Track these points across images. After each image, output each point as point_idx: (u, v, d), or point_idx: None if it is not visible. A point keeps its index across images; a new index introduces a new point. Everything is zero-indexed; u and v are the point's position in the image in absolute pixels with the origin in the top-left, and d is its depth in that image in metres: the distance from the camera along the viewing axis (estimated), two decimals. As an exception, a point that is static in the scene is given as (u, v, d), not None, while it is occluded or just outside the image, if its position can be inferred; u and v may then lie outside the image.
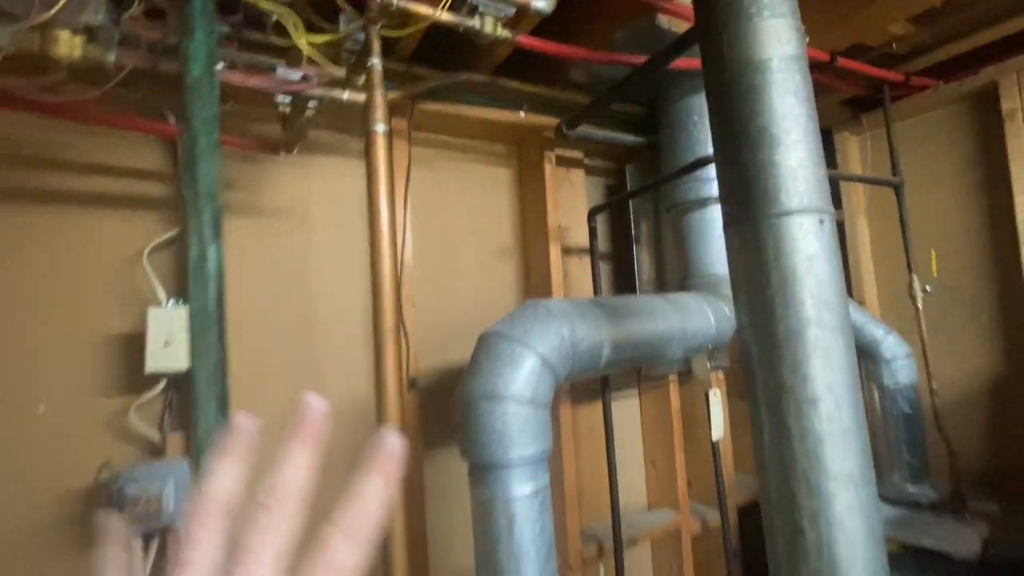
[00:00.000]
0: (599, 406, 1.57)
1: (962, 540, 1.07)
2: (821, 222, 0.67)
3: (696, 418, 1.68)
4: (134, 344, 1.02)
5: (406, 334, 1.21)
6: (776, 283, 0.65)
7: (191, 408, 0.75)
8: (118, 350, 1.02)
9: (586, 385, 1.58)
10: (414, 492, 1.26)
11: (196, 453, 0.53)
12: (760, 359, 0.68)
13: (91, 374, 1.01)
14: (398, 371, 0.95)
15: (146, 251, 1.03)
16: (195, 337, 0.57)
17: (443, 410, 1.36)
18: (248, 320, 1.12)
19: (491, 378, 0.83)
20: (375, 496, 0.25)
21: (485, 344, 0.87)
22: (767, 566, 0.70)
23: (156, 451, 1.00)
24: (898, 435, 1.28)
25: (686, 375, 1.69)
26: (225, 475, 0.25)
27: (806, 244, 0.65)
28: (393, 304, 0.94)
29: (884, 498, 1.29)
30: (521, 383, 0.82)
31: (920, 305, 1.34)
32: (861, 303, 1.60)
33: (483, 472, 0.82)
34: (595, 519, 1.53)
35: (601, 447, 1.53)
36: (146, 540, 0.94)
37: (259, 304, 1.18)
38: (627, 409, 1.73)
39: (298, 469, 0.25)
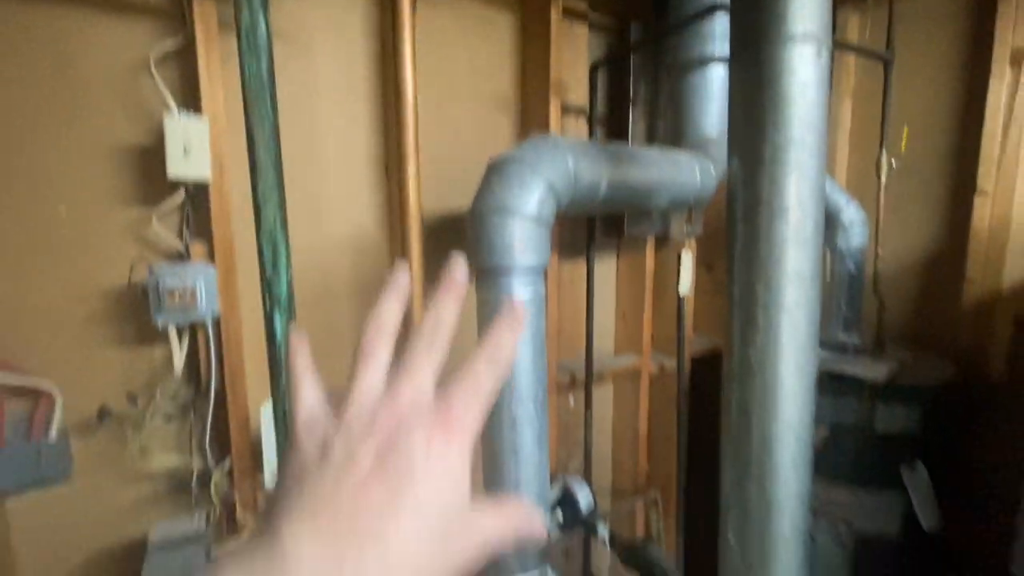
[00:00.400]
0: (582, 263, 1.71)
1: (873, 369, 1.30)
2: (819, 53, 0.73)
3: (666, 281, 1.85)
4: (147, 155, 1.04)
5: (419, 174, 1.24)
6: (769, 104, 0.73)
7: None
8: (132, 160, 1.04)
9: (572, 244, 1.70)
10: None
11: (260, 211, 0.60)
12: (744, 178, 0.78)
13: (107, 183, 1.04)
14: (419, 208, 1.02)
15: (152, 60, 1.01)
16: (249, 105, 0.61)
17: (441, 254, 1.45)
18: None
19: (502, 195, 0.91)
20: (504, 329, 0.30)
21: (498, 167, 0.94)
22: (709, 409, 0.87)
23: (180, 258, 1.07)
24: (840, 291, 1.47)
25: (663, 239, 1.82)
26: (390, 308, 0.31)
27: (803, 71, 0.72)
28: (413, 139, 0.98)
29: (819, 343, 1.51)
30: (529, 201, 0.91)
31: (883, 179, 1.47)
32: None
33: (490, 276, 0.93)
34: (570, 357, 1.74)
35: (580, 298, 1.70)
36: (180, 332, 1.05)
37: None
38: (605, 269, 1.88)
39: (447, 312, 0.30)
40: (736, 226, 0.80)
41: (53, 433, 1.00)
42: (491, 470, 1.00)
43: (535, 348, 0.95)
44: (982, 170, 1.45)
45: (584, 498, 1.17)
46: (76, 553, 1.09)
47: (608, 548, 1.30)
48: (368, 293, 1.38)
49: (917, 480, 1.23)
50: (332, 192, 1.31)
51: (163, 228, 1.04)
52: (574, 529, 1.23)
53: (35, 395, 1.00)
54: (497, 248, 0.91)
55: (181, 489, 1.14)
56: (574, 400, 1.78)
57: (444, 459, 0.26)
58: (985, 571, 1.12)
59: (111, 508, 1.11)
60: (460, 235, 1.42)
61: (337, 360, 1.34)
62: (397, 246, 1.32)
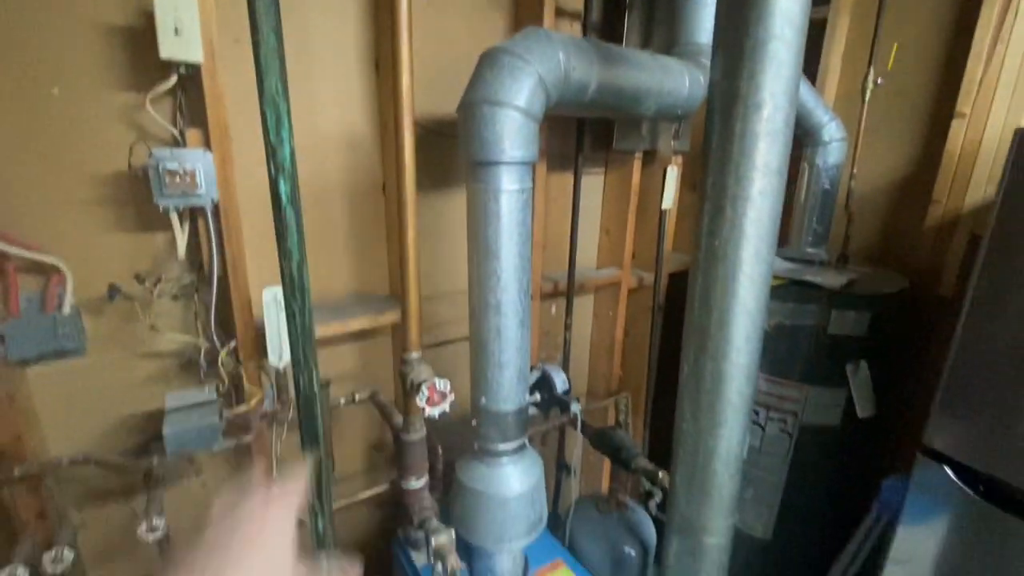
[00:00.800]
0: (569, 177, 1.75)
1: (833, 278, 1.41)
2: (806, -55, 0.75)
3: (650, 198, 1.90)
4: (138, 37, 1.03)
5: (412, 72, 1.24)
6: (753, -2, 0.75)
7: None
8: (123, 41, 1.03)
9: (560, 157, 1.73)
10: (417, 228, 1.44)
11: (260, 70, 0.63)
12: (724, 72, 0.82)
13: (99, 65, 1.03)
14: (411, 106, 1.03)
15: (133, -72, 0.98)
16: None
17: (432, 158, 1.48)
18: (242, 35, 1.12)
19: (494, 86, 0.94)
20: None
21: (490, 57, 0.96)
22: (682, 322, 0.94)
23: (176, 144, 1.09)
24: (813, 206, 1.54)
25: (650, 156, 1.86)
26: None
27: (788, -37, 0.74)
28: (407, 36, 0.98)
29: (787, 257, 1.61)
30: (520, 93, 0.94)
31: (867, 97, 1.50)
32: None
33: (480, 168, 0.98)
34: (555, 269, 1.82)
35: (566, 212, 1.75)
36: (181, 217, 1.09)
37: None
38: (592, 184, 1.92)
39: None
40: (713, 119, 0.85)
41: (67, 308, 1.06)
42: (477, 351, 1.10)
43: (520, 237, 1.02)
44: (963, 92, 1.49)
45: (560, 382, 1.30)
46: (95, 421, 1.19)
47: (579, 431, 1.46)
48: (361, 191, 1.42)
49: (859, 376, 1.37)
50: (324, 90, 1.31)
51: (157, 113, 1.05)
52: (551, 408, 1.37)
53: (46, 272, 1.05)
54: (487, 141, 0.95)
55: (190, 367, 1.23)
56: (556, 308, 1.89)
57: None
58: (906, 446, 1.28)
59: (126, 382, 1.20)
60: (451, 141, 1.45)
61: (333, 254, 1.42)
62: (390, 144, 1.34)
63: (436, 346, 1.62)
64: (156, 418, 1.18)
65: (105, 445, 1.19)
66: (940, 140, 1.55)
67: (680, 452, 1.05)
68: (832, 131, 1.48)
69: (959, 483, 0.92)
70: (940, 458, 0.95)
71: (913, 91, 1.60)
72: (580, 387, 2.15)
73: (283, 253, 0.71)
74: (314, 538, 0.81)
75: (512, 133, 0.95)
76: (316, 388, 0.77)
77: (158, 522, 1.08)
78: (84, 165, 1.06)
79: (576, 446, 1.66)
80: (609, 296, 1.99)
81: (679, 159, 1.79)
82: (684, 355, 1.01)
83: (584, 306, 2.05)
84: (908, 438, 1.30)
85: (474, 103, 0.95)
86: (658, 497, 1.36)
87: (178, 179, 0.99)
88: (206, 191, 1.04)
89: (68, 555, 1.02)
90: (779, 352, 1.48)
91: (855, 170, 1.57)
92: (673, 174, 1.69)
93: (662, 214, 1.75)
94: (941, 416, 0.94)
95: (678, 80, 1.28)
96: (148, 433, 1.20)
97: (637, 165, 1.81)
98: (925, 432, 0.97)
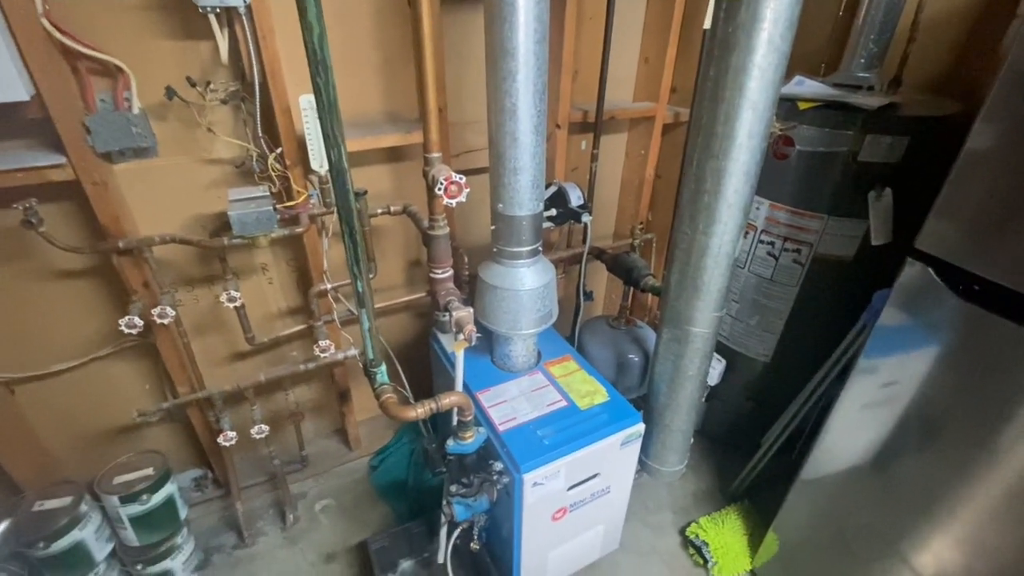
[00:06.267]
0: (605, -5, 1.63)
1: (870, 99, 1.33)
2: None
3: (696, 21, 1.77)
4: None
5: None
6: None
7: None
8: None
9: (598, -32, 1.60)
10: (437, 38, 1.44)
11: None
12: None
13: None
14: None
15: None
16: None
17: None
18: None
19: None
20: None
21: None
22: None
23: (205, -59, 1.11)
24: (872, 21, 1.39)
25: (699, -30, 1.69)
26: None
27: None
28: None
29: (834, 83, 1.51)
30: None
31: None
32: None
33: (496, -45, 0.96)
34: (585, 101, 1.79)
35: (600, 36, 1.66)
36: (219, 20, 1.16)
37: None
38: (634, 7, 1.79)
39: None
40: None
41: (135, 108, 1.20)
42: (494, 159, 1.18)
43: (537, 34, 1.03)
44: None
45: (575, 196, 1.38)
46: (174, 216, 1.40)
47: (586, 243, 1.55)
48: (388, 7, 1.41)
49: (881, 202, 1.36)
50: None
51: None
52: (565, 221, 1.47)
53: (112, 74, 1.18)
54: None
55: (246, 173, 1.39)
56: (585, 144, 1.90)
57: None
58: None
59: (194, 184, 1.38)
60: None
61: (362, 74, 1.49)
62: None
63: (466, 173, 1.70)
64: (222, 217, 1.38)
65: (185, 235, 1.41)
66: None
67: (676, 252, 1.14)
68: (911, -77, 1.28)
69: (939, 281, 0.98)
70: (927, 259, 0.99)
71: None
72: (607, 227, 2.23)
73: (305, 26, 0.78)
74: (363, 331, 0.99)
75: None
76: (345, 162, 0.88)
77: (235, 293, 1.32)
78: (127, -35, 1.12)
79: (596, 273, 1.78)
80: (643, 133, 1.96)
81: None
82: (687, 158, 1.05)
83: (616, 144, 2.05)
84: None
85: None
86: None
87: (212, -27, 1.04)
88: (239, -10, 1.09)
89: (170, 312, 1.29)
90: (805, 183, 1.47)
91: (931, -25, 1.38)
92: (720, -13, 1.54)
93: (705, 38, 1.64)
94: (937, 220, 0.96)
95: None
96: (218, 226, 1.41)
97: (683, -21, 1.66)
98: (918, 237, 1.00)
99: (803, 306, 1.61)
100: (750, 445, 1.77)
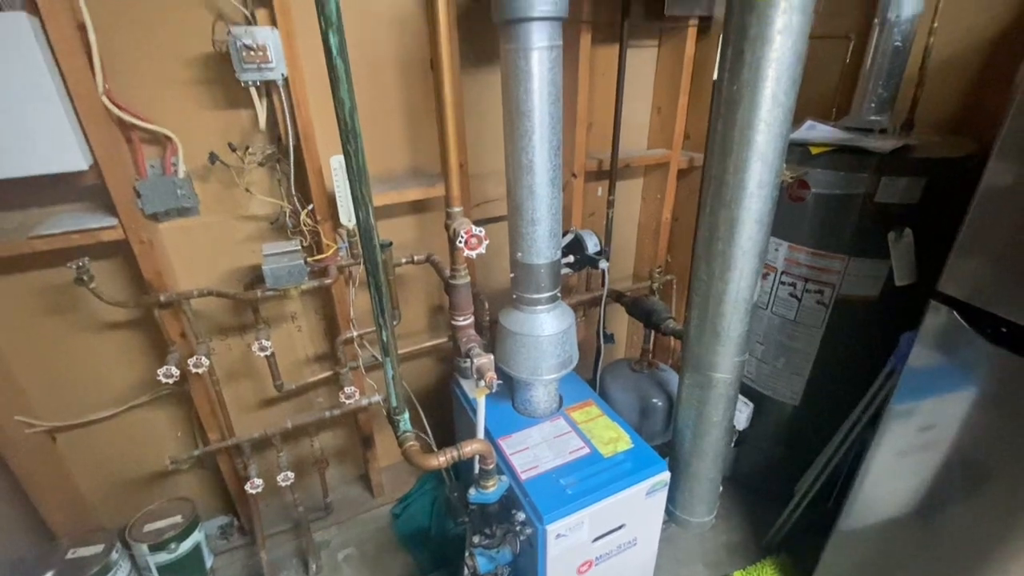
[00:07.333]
0: (616, 50, 1.71)
1: (883, 142, 1.35)
2: None
3: (706, 72, 1.83)
4: (205, -81, 1.15)
5: None
6: None
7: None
8: (194, -76, 1.16)
9: (607, 26, 1.69)
10: (457, 98, 1.53)
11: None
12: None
13: (177, -51, 1.17)
14: None
15: None
16: None
17: (473, 29, 1.52)
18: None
19: (521, -61, 0.97)
20: None
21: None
22: None
23: (248, 23, 1.23)
24: (880, 67, 1.43)
25: (706, 24, 1.76)
26: None
27: None
28: None
29: (846, 127, 1.53)
30: (546, -55, 0.97)
31: (961, -68, 1.31)
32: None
33: (511, 27, 1.04)
34: (601, 150, 1.86)
35: (613, 90, 1.74)
36: (259, 92, 1.26)
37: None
38: (644, 60, 1.87)
39: None
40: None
41: (181, 172, 1.30)
42: (513, 211, 1.22)
43: (551, 96, 1.09)
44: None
45: (592, 243, 1.41)
46: (212, 269, 1.48)
47: (604, 286, 1.56)
48: (412, 69, 1.51)
49: (902, 243, 1.35)
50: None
51: (231, -5, 1.19)
52: (582, 268, 1.50)
53: (162, 142, 1.28)
54: (517, -2, 1.00)
55: (279, 228, 1.47)
56: (601, 191, 1.95)
57: None
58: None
59: (231, 239, 1.47)
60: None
61: (390, 134, 1.59)
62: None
63: (486, 222, 1.76)
64: (256, 269, 1.45)
65: (221, 287, 1.49)
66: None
67: (695, 297, 1.15)
68: (911, -24, 1.33)
69: (965, 325, 0.96)
70: (951, 303, 0.98)
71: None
72: (625, 269, 2.24)
73: (337, 102, 0.85)
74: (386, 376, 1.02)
75: (540, -10, 0.99)
76: (373, 220, 0.93)
77: (266, 343, 1.38)
78: (179, 47, 1.24)
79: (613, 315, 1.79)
80: (658, 178, 2.01)
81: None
82: (701, 205, 1.08)
83: (632, 189, 2.09)
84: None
85: (505, -39, 0.99)
86: (684, 354, 1.48)
87: (253, 53, 1.15)
88: (276, 65, 1.19)
89: (205, 361, 1.34)
90: (823, 225, 1.48)
91: (935, 23, 1.42)
92: (727, 41, 1.61)
93: (715, 87, 1.70)
94: (957, 262, 0.96)
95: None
96: (252, 278, 1.48)
97: (692, 34, 1.74)
98: (940, 279, 0.99)
99: (830, 347, 1.58)
100: (784, 493, 1.70)
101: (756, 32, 0.87)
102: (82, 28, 1.11)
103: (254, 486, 1.52)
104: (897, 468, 1.19)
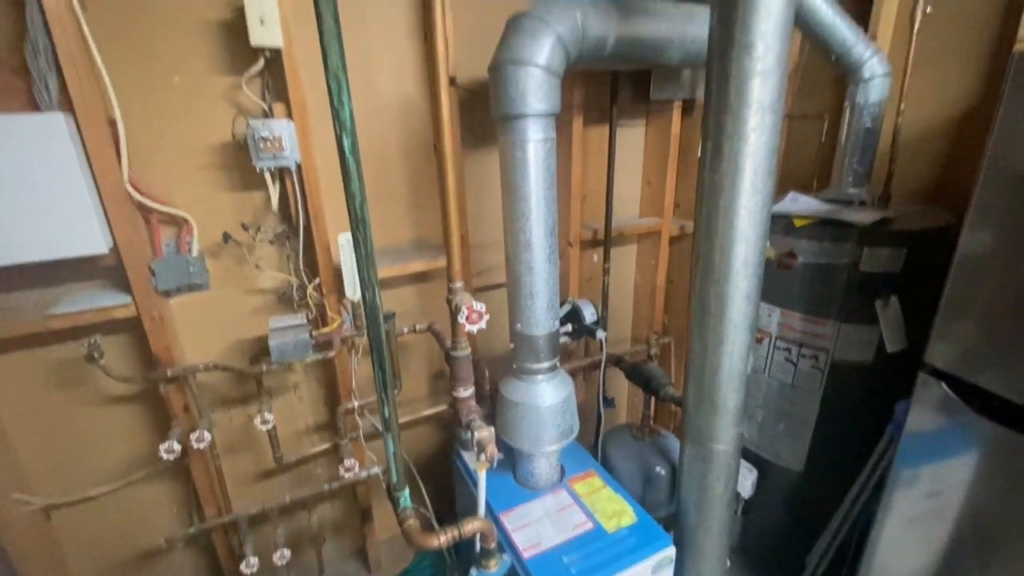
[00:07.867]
0: (607, 130, 1.84)
1: (865, 216, 1.42)
2: None
3: (691, 147, 1.95)
4: (231, 29, 1.27)
5: (447, 37, 1.40)
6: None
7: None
8: (221, 34, 1.28)
9: (598, 108, 1.81)
10: (459, 179, 1.62)
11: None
12: (720, 17, 0.91)
13: (206, 55, 1.29)
14: (447, 67, 1.20)
15: (225, -62, 1.19)
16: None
17: (477, 120, 1.63)
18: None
19: (516, 47, 1.08)
20: None
21: (514, 22, 1.10)
22: None
23: (265, 115, 1.33)
24: (854, 146, 1.53)
25: (690, 105, 1.90)
26: None
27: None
28: (440, 6, 1.14)
29: (827, 199, 1.62)
30: (540, 53, 1.07)
31: (916, 27, 1.44)
32: (874, 37, 1.67)
33: (508, 122, 1.13)
34: (595, 220, 1.94)
35: (605, 165, 1.84)
36: (273, 176, 1.34)
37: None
38: (634, 137, 1.99)
39: None
40: (712, 63, 0.95)
41: (195, 251, 1.36)
42: (512, 284, 1.28)
43: (546, 181, 1.16)
44: (1027, 16, 1.39)
45: (589, 313, 1.45)
46: (218, 341, 1.51)
47: (603, 352, 1.59)
48: (417, 151, 1.61)
49: (889, 312, 1.40)
50: (380, 61, 1.50)
51: (250, 91, 1.30)
52: (580, 337, 1.53)
53: (178, 223, 1.35)
54: (513, 97, 1.10)
55: (285, 301, 1.52)
56: (597, 257, 2.02)
57: None
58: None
59: (239, 311, 1.51)
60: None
61: (395, 208, 1.68)
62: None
63: (486, 289, 1.82)
64: (261, 341, 1.48)
65: (226, 360, 1.51)
66: (999, 73, 1.46)
67: (691, 370, 1.18)
68: (874, 67, 1.45)
69: (954, 397, 0.98)
70: (940, 375, 1.00)
71: (967, 19, 1.50)
72: (623, 332, 2.28)
73: (349, 195, 0.92)
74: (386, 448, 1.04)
75: (535, 88, 1.09)
76: (379, 302, 0.98)
77: (268, 416, 1.39)
78: (200, 137, 1.33)
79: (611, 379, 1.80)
80: (651, 244, 2.08)
81: (720, 106, 1.81)
82: (692, 282, 1.13)
83: (627, 255, 2.16)
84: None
85: (501, 64, 1.09)
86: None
87: (269, 144, 1.24)
88: (290, 154, 1.28)
89: (207, 436, 1.35)
90: (812, 292, 1.53)
91: (903, 106, 1.53)
92: (710, 121, 1.72)
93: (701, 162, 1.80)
94: (940, 335, 1.00)
95: (703, 26, 1.33)
96: (257, 350, 1.51)
97: (677, 115, 1.86)
98: (926, 351, 1.03)
99: (829, 412, 1.59)
100: (792, 561, 1.65)
101: (732, 130, 0.95)
102: (112, 123, 1.20)
103: (249, 565, 1.48)
104: (909, 535, 1.17)
